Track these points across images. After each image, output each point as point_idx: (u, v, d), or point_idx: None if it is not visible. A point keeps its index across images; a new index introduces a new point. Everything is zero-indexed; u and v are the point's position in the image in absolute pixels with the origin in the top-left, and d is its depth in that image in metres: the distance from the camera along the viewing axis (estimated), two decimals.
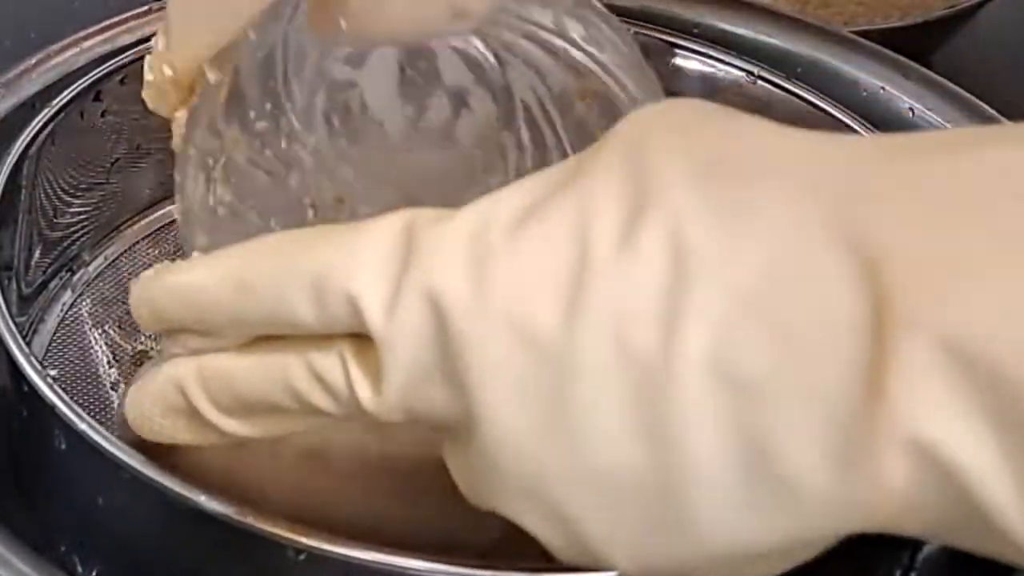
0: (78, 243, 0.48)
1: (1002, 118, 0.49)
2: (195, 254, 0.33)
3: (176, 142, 0.36)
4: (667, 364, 0.22)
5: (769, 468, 0.22)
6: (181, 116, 0.36)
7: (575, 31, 0.33)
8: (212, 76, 0.34)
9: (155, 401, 0.28)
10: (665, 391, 0.22)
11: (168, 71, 0.35)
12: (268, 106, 0.32)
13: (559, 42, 0.33)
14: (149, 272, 0.28)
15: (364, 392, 0.25)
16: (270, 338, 0.27)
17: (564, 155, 0.32)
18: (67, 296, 0.47)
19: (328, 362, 0.26)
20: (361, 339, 0.25)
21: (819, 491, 0.22)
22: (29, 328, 0.45)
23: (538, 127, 0.32)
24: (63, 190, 0.47)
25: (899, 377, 0.21)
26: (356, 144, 0.32)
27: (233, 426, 0.27)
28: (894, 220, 0.21)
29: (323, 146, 0.32)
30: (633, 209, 0.23)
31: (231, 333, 0.27)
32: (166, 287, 0.28)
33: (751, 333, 0.22)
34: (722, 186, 0.23)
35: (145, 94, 0.36)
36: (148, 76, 0.36)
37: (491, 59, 0.32)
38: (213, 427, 0.28)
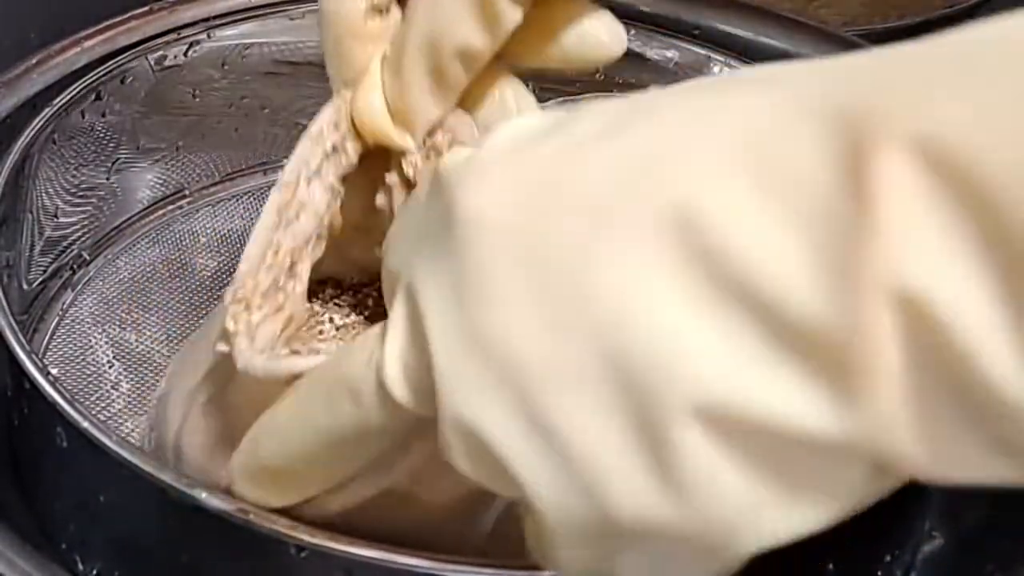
0: (78, 243, 0.48)
1: None
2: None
3: None
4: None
5: (748, 292, 0.20)
6: None
7: None
8: None
9: None
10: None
11: None
12: None
13: None
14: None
15: (380, 369, 0.24)
16: None
17: None
18: (67, 295, 0.47)
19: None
20: None
21: (808, 309, 0.19)
22: (29, 327, 0.45)
23: None
24: (63, 190, 0.47)
25: (879, 200, 0.19)
26: None
27: None
28: (872, 78, 0.21)
29: None
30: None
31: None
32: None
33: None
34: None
35: None
36: None
37: None
38: None
